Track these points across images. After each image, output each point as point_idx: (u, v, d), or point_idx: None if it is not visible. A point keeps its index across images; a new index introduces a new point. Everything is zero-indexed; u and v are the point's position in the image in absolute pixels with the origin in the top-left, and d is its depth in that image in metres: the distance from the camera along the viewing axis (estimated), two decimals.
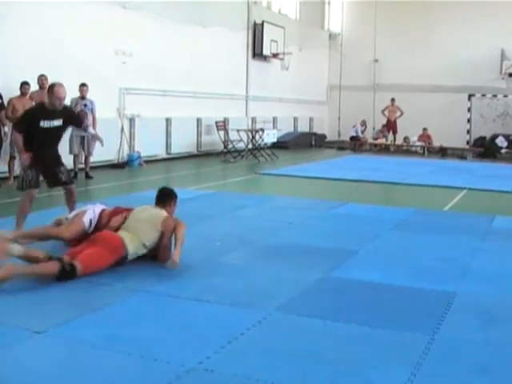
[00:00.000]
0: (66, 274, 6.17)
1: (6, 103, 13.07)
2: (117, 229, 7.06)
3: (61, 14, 14.94)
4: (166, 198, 7.45)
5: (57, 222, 7.77)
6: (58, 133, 8.53)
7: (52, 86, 8.27)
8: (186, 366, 4.35)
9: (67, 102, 13.87)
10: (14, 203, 10.99)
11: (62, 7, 14.94)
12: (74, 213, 7.73)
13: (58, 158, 8.70)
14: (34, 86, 13.56)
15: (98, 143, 14.21)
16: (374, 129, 28.88)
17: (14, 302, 5.66)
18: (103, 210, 7.59)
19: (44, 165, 8.42)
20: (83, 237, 7.17)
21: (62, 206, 10.75)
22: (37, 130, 8.14)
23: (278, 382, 4.15)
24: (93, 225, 7.36)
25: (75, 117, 9.33)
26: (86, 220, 7.33)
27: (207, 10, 20.75)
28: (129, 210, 7.40)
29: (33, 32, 14.16)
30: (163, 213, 7.17)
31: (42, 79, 13.58)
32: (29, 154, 8.20)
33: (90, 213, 7.43)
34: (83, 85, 14.14)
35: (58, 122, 8.29)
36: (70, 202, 8.75)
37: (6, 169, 13.35)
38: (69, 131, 14.07)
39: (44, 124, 8.15)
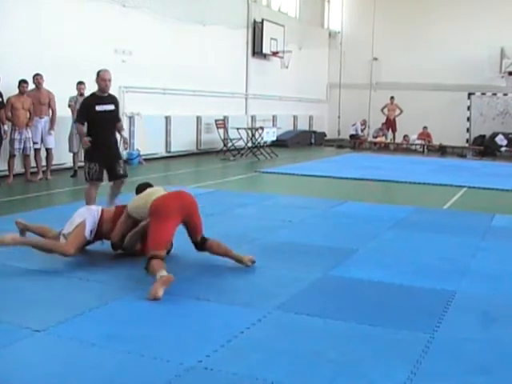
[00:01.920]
0: None
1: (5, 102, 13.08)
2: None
3: (60, 12, 14.94)
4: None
5: (53, 234, 7.61)
6: (112, 117, 9.43)
7: (98, 72, 9.31)
8: (186, 364, 4.35)
9: (66, 99, 14.05)
10: (14, 201, 11.04)
11: (62, 5, 14.95)
12: (69, 224, 7.26)
13: (117, 150, 9.61)
14: (31, 85, 13.56)
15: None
16: (368, 127, 28.85)
17: (14, 300, 5.65)
18: (102, 213, 7.38)
19: (105, 157, 9.26)
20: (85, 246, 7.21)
21: (61, 204, 10.80)
22: (94, 114, 9.16)
23: (277, 381, 4.14)
24: (93, 233, 7.28)
25: (119, 106, 9.80)
26: (87, 233, 7.22)
27: (207, 8, 20.75)
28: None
29: (32, 30, 14.16)
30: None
31: (37, 78, 13.59)
32: (89, 137, 9.08)
33: (90, 223, 7.26)
34: (81, 83, 14.11)
35: (110, 107, 9.33)
36: (113, 195, 9.45)
37: (6, 167, 13.33)
38: (68, 129, 14.13)
39: (99, 108, 9.19)
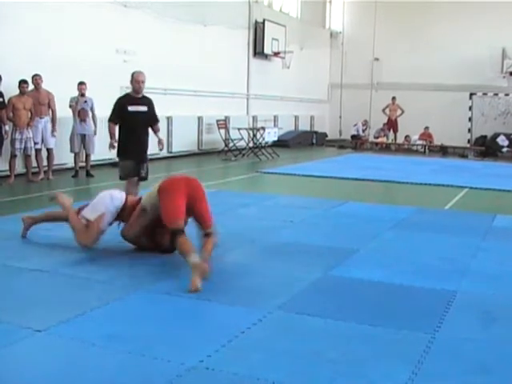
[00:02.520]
0: None
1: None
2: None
3: (62, 13, 14.96)
4: None
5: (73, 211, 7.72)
6: (144, 118, 9.72)
7: (132, 74, 9.72)
8: (187, 364, 4.35)
9: (66, 99, 14.05)
10: (16, 201, 11.05)
11: (63, 6, 14.95)
12: (91, 208, 7.44)
13: (145, 151, 9.90)
14: (32, 86, 13.59)
15: (96, 142, 14.31)
16: (369, 127, 28.84)
17: (15, 300, 5.66)
18: (126, 199, 7.59)
19: (138, 156, 9.71)
20: None
21: (42, 208, 10.79)
22: (125, 115, 9.53)
23: (278, 381, 4.15)
24: (111, 221, 7.51)
25: (154, 109, 10.00)
26: (104, 226, 7.34)
27: (208, 8, 20.74)
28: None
29: (33, 31, 14.17)
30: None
31: (36, 79, 13.61)
32: (114, 139, 9.74)
33: (110, 215, 7.38)
34: (81, 83, 14.14)
35: (143, 108, 9.67)
36: (134, 191, 9.61)
37: (7, 167, 13.34)
38: (69, 129, 14.14)
39: (132, 109, 9.54)
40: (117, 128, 9.85)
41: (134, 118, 9.58)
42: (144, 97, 9.82)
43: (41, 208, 10.24)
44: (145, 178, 9.89)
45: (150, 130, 10.06)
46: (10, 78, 12.96)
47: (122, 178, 9.90)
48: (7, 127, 13.12)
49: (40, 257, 7.10)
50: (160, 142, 10.14)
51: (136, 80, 9.63)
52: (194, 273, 6.01)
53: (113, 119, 9.80)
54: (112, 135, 9.83)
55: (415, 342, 4.87)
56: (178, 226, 6.45)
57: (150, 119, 9.90)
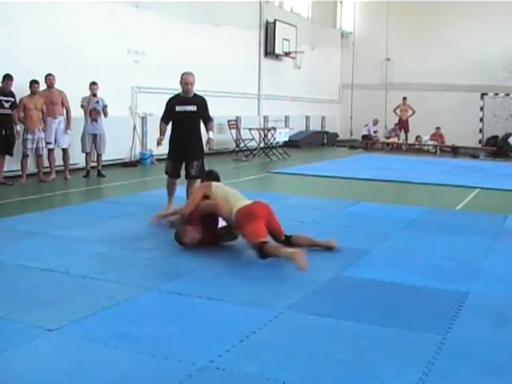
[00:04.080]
0: None
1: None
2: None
3: (73, 13, 15.02)
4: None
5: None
6: (193, 118, 9.93)
7: (182, 75, 9.98)
8: (198, 364, 4.35)
9: (78, 99, 14.09)
10: (27, 201, 11.08)
11: (75, 6, 15.01)
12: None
13: (196, 150, 10.08)
14: (43, 85, 13.63)
15: (106, 142, 14.36)
16: (385, 128, 28.82)
17: (27, 299, 5.68)
18: None
19: (182, 155, 9.97)
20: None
21: (73, 204, 10.84)
22: (174, 114, 9.86)
23: (289, 381, 4.14)
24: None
25: (207, 108, 10.17)
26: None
27: (219, 8, 20.78)
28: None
29: (45, 31, 14.24)
30: None
31: (49, 78, 13.68)
32: (162, 136, 10.02)
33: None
34: (93, 83, 14.18)
35: (191, 108, 9.87)
36: (188, 193, 9.84)
37: (19, 167, 13.38)
38: (81, 129, 14.17)
39: (179, 108, 9.81)
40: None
41: (181, 118, 9.86)
42: (195, 96, 10.02)
43: (52, 207, 10.30)
44: (196, 176, 9.96)
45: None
46: (22, 78, 13.01)
47: (166, 173, 10.16)
48: (18, 127, 13.16)
49: (51, 256, 7.12)
50: (209, 141, 10.18)
51: (184, 82, 9.90)
52: (296, 259, 6.54)
53: (163, 119, 10.09)
54: (161, 133, 10.10)
55: (426, 342, 4.85)
56: (263, 239, 7.05)
57: (201, 118, 10.07)
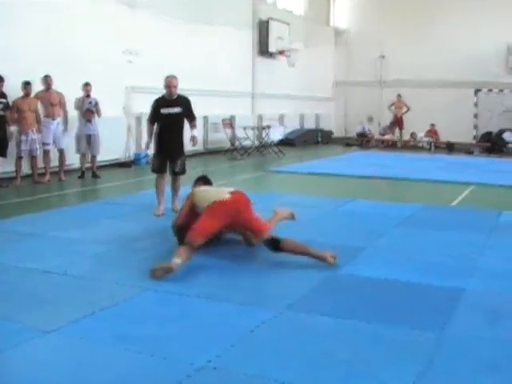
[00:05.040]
0: None
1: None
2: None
3: (67, 13, 14.97)
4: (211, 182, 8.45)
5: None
6: (178, 119, 10.22)
7: (166, 78, 10.22)
8: (196, 364, 4.37)
9: (73, 99, 14.09)
10: (23, 202, 11.09)
11: (69, 7, 14.97)
12: None
13: (180, 149, 10.38)
14: (39, 87, 13.62)
15: (100, 143, 14.38)
16: (379, 125, 28.84)
17: (25, 300, 5.70)
18: None
19: (167, 153, 10.25)
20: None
21: (69, 205, 10.85)
22: (159, 116, 10.13)
23: (288, 381, 4.16)
24: None
25: (190, 108, 10.39)
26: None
27: (213, 8, 20.77)
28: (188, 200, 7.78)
29: (39, 32, 14.19)
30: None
31: (47, 80, 13.67)
32: (149, 139, 10.36)
33: None
34: (87, 84, 14.18)
35: (176, 109, 10.12)
36: (173, 189, 10.41)
37: (14, 168, 13.37)
38: (74, 130, 14.17)
39: (164, 111, 10.06)
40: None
41: (166, 120, 10.12)
42: (178, 98, 10.27)
43: (48, 209, 10.30)
44: (180, 173, 10.40)
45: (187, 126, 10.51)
46: (18, 79, 13.02)
47: (152, 171, 10.47)
48: (12, 129, 13.15)
49: (50, 257, 7.13)
50: (192, 138, 10.47)
51: (167, 85, 10.13)
52: (162, 267, 6.45)
53: (149, 120, 10.39)
54: (148, 134, 10.44)
55: (424, 341, 4.87)
56: (193, 242, 6.76)
57: (185, 118, 10.33)
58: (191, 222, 7.27)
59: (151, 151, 10.89)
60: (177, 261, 6.45)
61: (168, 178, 10.42)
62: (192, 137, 10.44)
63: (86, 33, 15.49)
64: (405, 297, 6.01)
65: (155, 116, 10.21)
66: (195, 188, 7.96)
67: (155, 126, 10.27)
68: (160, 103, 10.19)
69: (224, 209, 7.17)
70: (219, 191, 7.59)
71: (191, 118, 10.37)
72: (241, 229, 7.51)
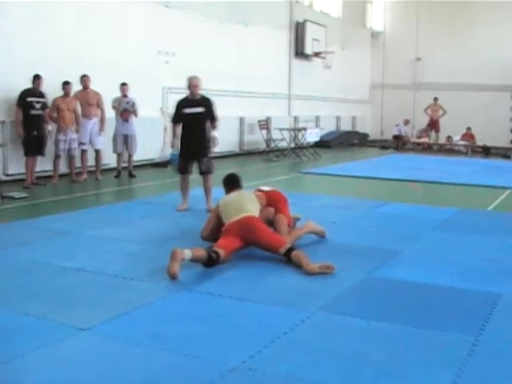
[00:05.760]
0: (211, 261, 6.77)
1: (49, 103, 13.22)
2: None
3: (103, 13, 15.10)
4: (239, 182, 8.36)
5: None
6: (200, 119, 10.33)
7: (188, 79, 10.39)
8: (230, 364, 4.36)
9: (109, 100, 14.18)
10: (60, 201, 11.17)
11: (105, 7, 15.08)
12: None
13: (203, 148, 10.43)
14: (77, 86, 13.72)
15: (137, 143, 14.46)
16: (413, 127, 28.67)
17: (60, 298, 5.73)
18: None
19: (191, 154, 10.39)
20: None
21: (105, 204, 10.91)
22: (183, 116, 10.30)
23: (321, 381, 4.14)
24: None
25: (212, 108, 10.48)
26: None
27: (249, 8, 20.80)
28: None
29: (75, 32, 14.33)
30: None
31: (85, 79, 13.79)
32: (177, 139, 10.42)
33: None
34: (124, 84, 14.25)
35: (198, 109, 10.27)
36: (205, 189, 10.50)
37: (52, 167, 13.48)
38: (112, 130, 14.26)
39: (187, 111, 10.23)
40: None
41: (190, 120, 10.27)
42: (201, 98, 10.40)
43: (84, 207, 10.37)
44: (207, 172, 10.48)
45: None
46: (54, 80, 13.12)
47: (178, 171, 10.67)
48: (50, 127, 13.26)
49: (84, 256, 7.18)
50: (213, 139, 10.55)
51: (190, 84, 10.30)
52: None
53: (173, 120, 10.55)
54: (173, 134, 10.60)
55: (459, 344, 4.82)
56: (216, 250, 6.90)
57: (208, 118, 10.40)
58: (218, 232, 7.44)
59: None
60: (185, 251, 6.58)
61: (198, 178, 10.66)
62: (212, 137, 10.53)
63: (121, 33, 15.61)
64: (440, 301, 5.95)
65: (179, 116, 10.36)
66: (221, 200, 7.87)
67: (179, 127, 10.41)
68: (183, 103, 10.37)
69: (234, 230, 7.26)
70: (239, 208, 7.53)
71: (213, 118, 10.44)
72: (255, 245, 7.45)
